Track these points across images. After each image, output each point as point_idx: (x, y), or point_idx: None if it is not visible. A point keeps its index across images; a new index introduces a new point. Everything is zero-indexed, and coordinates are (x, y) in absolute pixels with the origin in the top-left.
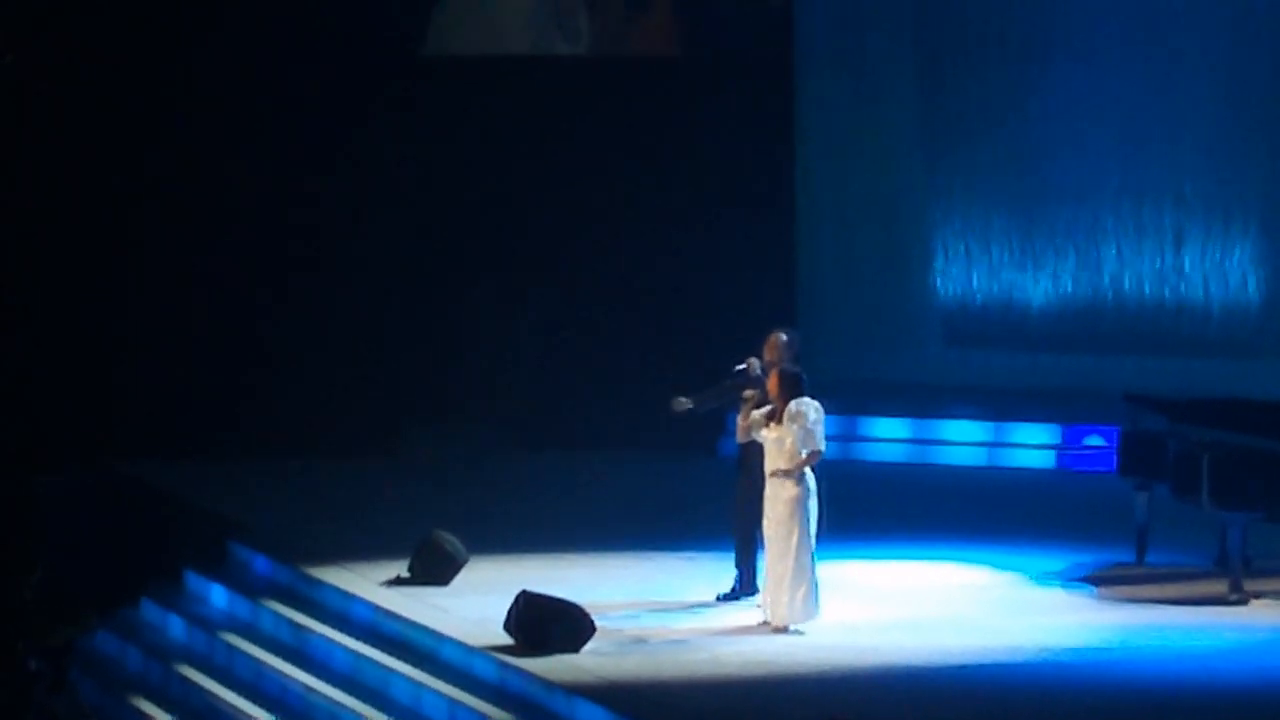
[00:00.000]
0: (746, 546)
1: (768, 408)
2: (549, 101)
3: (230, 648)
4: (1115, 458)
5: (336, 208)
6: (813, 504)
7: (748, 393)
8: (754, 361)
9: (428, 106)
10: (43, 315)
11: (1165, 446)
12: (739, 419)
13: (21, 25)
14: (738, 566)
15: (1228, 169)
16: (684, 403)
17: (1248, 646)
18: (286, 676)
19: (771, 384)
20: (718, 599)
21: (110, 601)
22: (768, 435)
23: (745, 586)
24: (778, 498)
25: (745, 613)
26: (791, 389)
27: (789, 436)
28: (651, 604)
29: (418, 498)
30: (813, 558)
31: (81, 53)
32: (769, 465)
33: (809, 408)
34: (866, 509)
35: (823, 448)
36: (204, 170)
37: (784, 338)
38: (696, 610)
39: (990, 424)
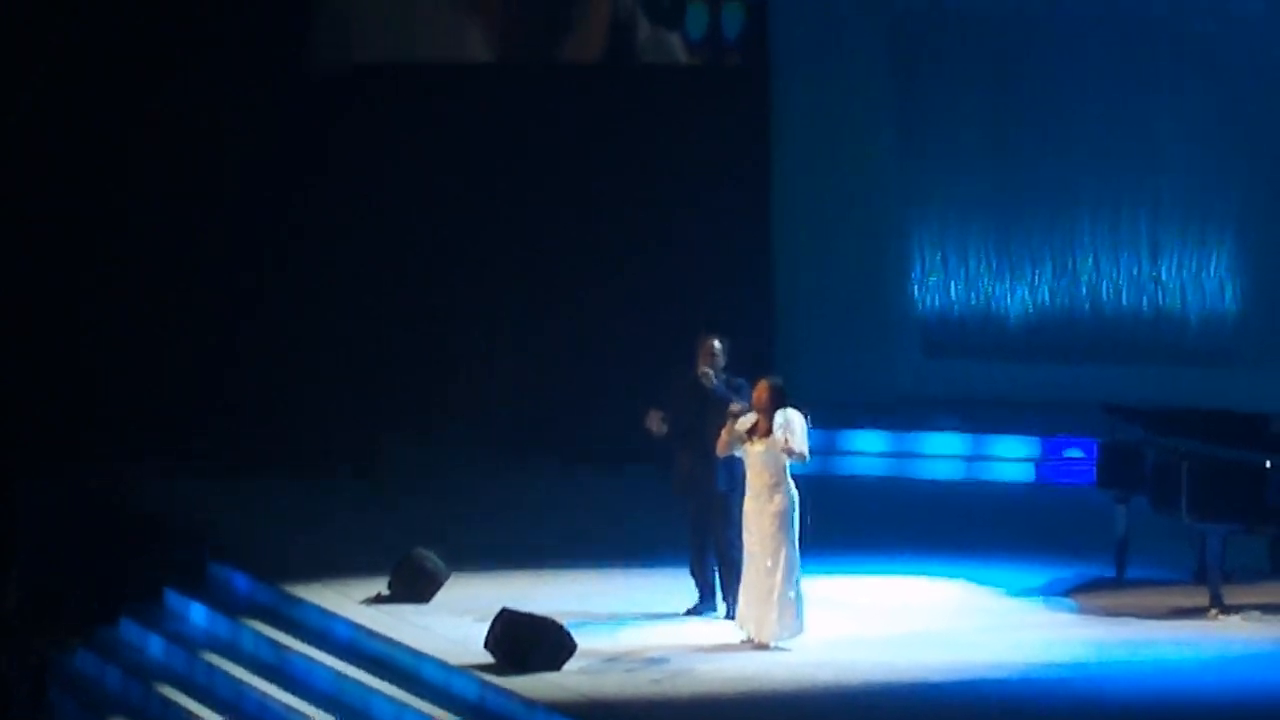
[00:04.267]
0: (701, 563)
1: (750, 420)
2: (523, 110)
3: (210, 667)
4: (1094, 470)
5: (314, 222)
6: (796, 518)
7: (734, 407)
8: (708, 373)
9: (405, 117)
10: (22, 330)
11: (1144, 458)
12: (722, 433)
13: None
14: (695, 583)
15: (1205, 178)
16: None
17: (1228, 660)
18: (267, 696)
19: (759, 396)
20: (685, 614)
21: (89, 620)
22: (752, 449)
23: (705, 602)
24: (764, 512)
25: (726, 629)
26: (779, 401)
27: (778, 447)
28: (632, 621)
29: (397, 514)
30: (799, 573)
31: (59, 51)
32: (755, 480)
33: (796, 416)
34: (846, 523)
35: (808, 455)
36: (184, 182)
37: (717, 344)
38: (676, 626)
39: (969, 437)
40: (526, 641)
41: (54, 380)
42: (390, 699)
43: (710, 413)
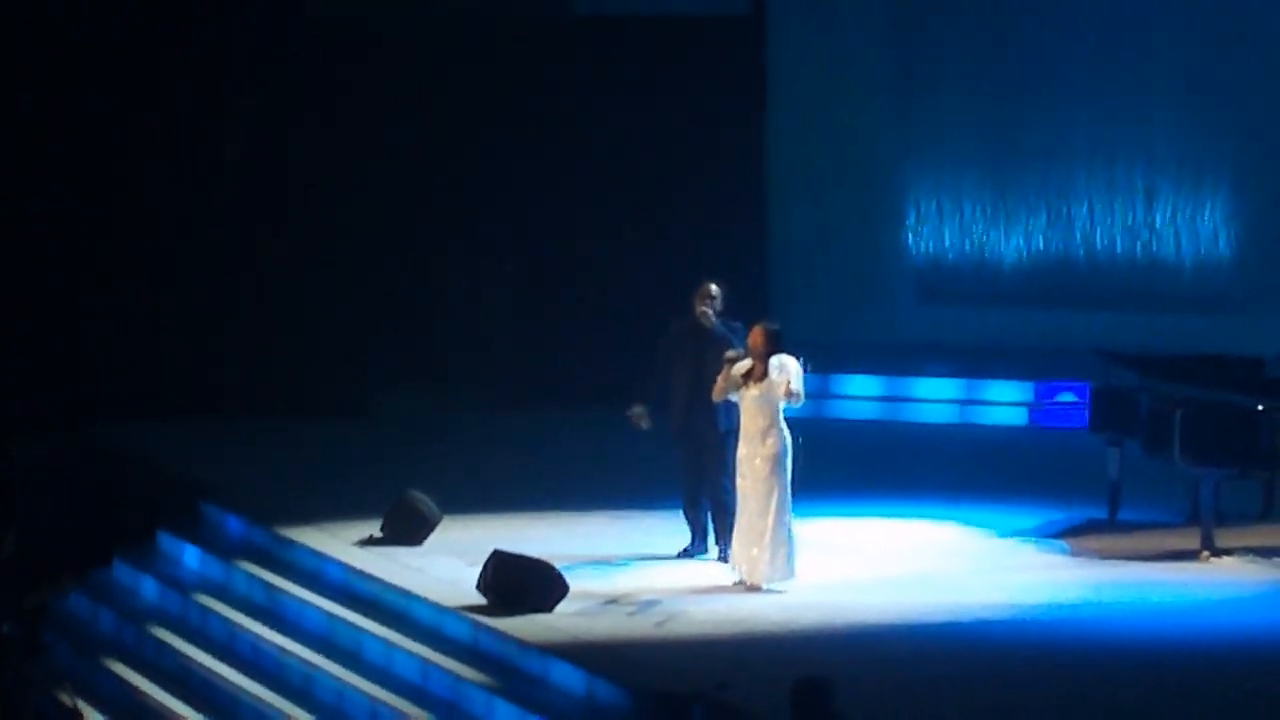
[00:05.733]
0: (694, 505)
1: (745, 364)
2: (520, 62)
3: (203, 609)
4: (1087, 414)
5: (307, 168)
6: (789, 462)
7: (731, 353)
8: (707, 312)
9: (400, 69)
10: (10, 280)
11: (1137, 402)
12: (718, 379)
13: None
14: (689, 525)
15: (1198, 126)
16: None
17: (1220, 602)
18: (260, 637)
19: (754, 341)
20: (678, 555)
21: (84, 564)
22: (746, 394)
23: (697, 543)
24: (756, 455)
25: (719, 571)
26: (775, 346)
27: (774, 390)
28: (624, 563)
29: (390, 458)
30: (790, 516)
31: (42, 24)
32: (749, 424)
33: (791, 361)
34: (839, 467)
35: (803, 397)
36: (173, 132)
37: (714, 287)
38: (669, 568)
39: (962, 381)
40: (519, 583)
41: (46, 334)
42: (382, 640)
43: (709, 354)
